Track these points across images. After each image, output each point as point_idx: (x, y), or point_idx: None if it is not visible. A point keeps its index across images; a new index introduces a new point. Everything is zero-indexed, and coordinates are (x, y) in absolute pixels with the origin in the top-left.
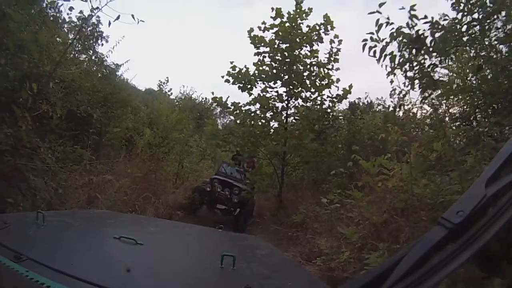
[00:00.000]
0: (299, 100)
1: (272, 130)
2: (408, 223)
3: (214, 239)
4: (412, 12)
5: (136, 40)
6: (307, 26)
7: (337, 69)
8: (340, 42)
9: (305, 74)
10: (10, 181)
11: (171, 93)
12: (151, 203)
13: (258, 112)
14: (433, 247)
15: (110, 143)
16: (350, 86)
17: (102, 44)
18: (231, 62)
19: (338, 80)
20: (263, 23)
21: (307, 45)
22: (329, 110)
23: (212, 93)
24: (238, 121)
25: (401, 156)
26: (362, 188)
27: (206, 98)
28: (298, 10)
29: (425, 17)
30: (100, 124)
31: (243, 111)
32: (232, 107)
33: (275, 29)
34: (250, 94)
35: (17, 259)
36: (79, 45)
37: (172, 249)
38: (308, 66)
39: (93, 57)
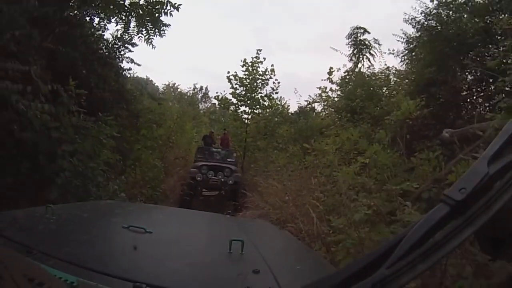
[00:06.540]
0: (255, 115)
1: (238, 132)
2: None
3: (222, 225)
4: None
5: None
6: (261, 70)
7: (277, 98)
8: (279, 83)
9: (259, 99)
10: None
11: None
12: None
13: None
14: (436, 224)
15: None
16: (285, 108)
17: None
18: (216, 93)
19: (276, 103)
20: (235, 72)
21: (260, 83)
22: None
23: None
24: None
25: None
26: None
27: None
28: (257, 59)
29: None
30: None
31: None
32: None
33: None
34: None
35: (28, 253)
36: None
37: (180, 236)
38: (260, 95)
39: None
